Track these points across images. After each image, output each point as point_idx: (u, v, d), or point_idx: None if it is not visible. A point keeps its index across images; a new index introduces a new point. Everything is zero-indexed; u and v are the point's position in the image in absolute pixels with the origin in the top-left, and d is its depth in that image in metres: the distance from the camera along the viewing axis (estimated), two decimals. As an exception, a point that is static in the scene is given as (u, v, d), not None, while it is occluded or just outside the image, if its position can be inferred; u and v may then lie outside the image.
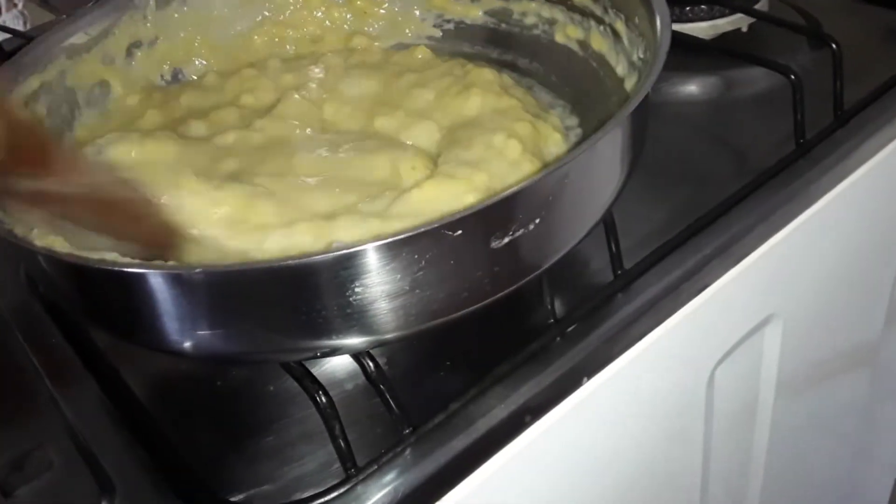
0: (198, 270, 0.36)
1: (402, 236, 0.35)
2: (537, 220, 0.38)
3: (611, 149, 0.42)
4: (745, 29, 0.77)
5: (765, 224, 0.58)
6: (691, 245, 0.56)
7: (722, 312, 0.59)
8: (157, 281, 0.37)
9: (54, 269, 0.40)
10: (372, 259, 0.35)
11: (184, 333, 0.39)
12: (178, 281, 0.37)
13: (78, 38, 0.60)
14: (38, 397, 0.53)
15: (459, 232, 0.36)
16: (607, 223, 0.52)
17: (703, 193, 0.61)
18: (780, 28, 0.72)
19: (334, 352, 0.42)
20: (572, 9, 0.60)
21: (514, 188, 0.36)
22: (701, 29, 0.76)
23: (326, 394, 0.43)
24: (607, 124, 0.40)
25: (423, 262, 0.36)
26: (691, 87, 0.74)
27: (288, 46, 0.66)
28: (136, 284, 0.38)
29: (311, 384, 0.43)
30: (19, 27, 1.04)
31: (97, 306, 0.42)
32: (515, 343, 0.50)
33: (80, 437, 0.50)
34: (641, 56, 0.51)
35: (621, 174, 0.44)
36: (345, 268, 0.36)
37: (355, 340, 0.40)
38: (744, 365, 0.65)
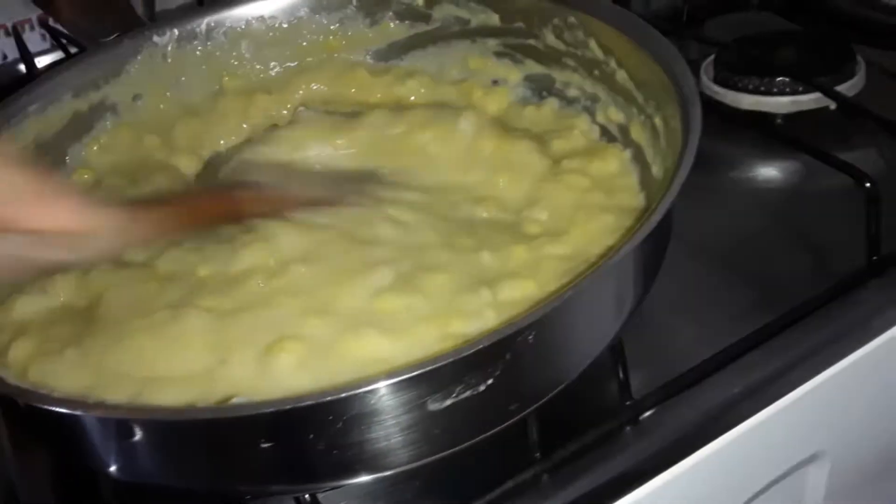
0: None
1: (310, 402, 0.30)
2: (490, 381, 0.32)
3: (597, 297, 0.35)
4: (833, 107, 0.67)
5: (815, 358, 0.50)
6: (720, 378, 0.48)
7: (754, 450, 0.51)
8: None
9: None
10: (277, 419, 0.30)
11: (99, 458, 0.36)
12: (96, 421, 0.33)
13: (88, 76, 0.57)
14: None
15: (383, 395, 0.31)
16: (615, 344, 0.45)
17: (753, 300, 0.53)
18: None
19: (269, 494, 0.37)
20: (615, 89, 0.53)
21: (449, 353, 0.30)
22: (780, 104, 0.67)
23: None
24: (594, 270, 0.33)
25: (341, 424, 0.31)
26: (765, 171, 0.66)
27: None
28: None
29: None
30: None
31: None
32: (493, 477, 0.44)
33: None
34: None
35: (617, 318, 0.37)
36: (245, 425, 0.31)
37: (278, 487, 0.35)
38: (779, 504, 0.56)
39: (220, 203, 0.44)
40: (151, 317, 0.41)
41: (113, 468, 0.36)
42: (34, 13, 0.86)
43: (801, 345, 0.50)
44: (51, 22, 0.81)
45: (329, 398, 0.30)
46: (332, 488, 0.40)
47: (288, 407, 0.29)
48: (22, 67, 0.81)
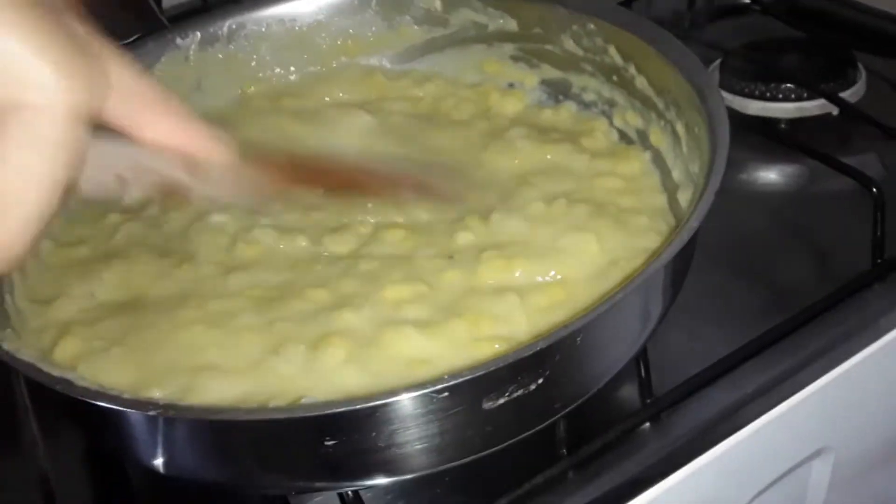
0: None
1: (379, 402, 0.31)
2: (540, 381, 0.34)
3: (634, 305, 0.37)
4: (835, 113, 0.69)
5: (824, 357, 0.52)
6: (734, 377, 0.50)
7: (765, 447, 0.53)
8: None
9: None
10: (343, 419, 0.32)
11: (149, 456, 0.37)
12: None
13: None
14: (20, 440, 0.51)
15: (446, 394, 0.32)
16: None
17: (763, 302, 0.55)
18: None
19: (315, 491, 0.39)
20: (633, 94, 0.55)
21: (508, 355, 0.32)
22: (786, 110, 0.69)
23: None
24: (631, 281, 0.35)
25: (403, 422, 0.32)
26: (771, 175, 0.67)
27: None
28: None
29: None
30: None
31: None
32: (521, 473, 0.45)
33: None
34: (697, 171, 0.45)
35: (650, 320, 0.39)
36: (316, 424, 0.32)
37: (327, 484, 0.36)
38: (785, 498, 0.58)
39: (355, 175, 0.39)
40: (205, 307, 0.42)
41: (159, 462, 0.37)
42: None
43: (811, 345, 0.52)
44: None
45: (399, 397, 0.31)
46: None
47: (359, 406, 0.31)
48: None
